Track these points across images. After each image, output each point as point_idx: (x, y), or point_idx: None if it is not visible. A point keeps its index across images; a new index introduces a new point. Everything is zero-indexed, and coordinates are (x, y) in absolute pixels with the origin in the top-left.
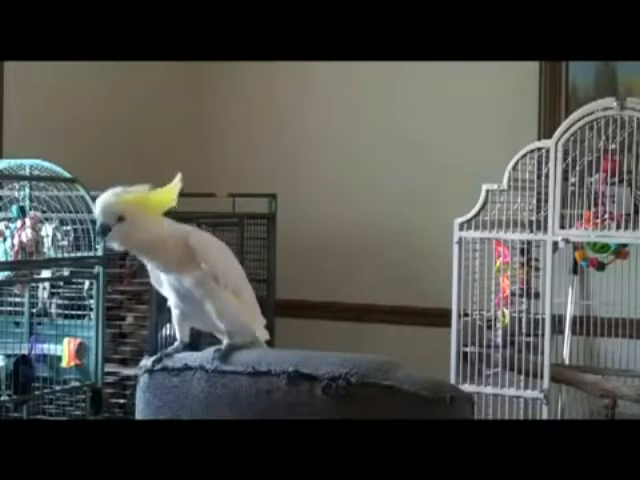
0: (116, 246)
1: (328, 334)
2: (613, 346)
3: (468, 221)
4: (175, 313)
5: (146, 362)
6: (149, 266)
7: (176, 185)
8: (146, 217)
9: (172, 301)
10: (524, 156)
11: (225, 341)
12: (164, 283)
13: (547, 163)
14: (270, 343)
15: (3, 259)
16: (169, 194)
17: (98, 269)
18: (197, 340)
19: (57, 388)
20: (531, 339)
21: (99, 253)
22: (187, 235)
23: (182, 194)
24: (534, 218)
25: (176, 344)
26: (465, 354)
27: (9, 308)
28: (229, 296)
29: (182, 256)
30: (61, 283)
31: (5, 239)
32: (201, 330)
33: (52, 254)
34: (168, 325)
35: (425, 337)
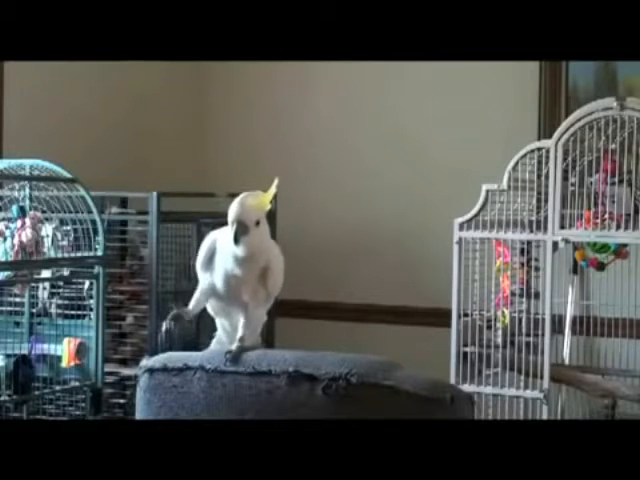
0: (246, 251)
1: (328, 334)
2: (613, 346)
3: (468, 221)
4: (204, 289)
5: (146, 362)
6: (210, 247)
7: (273, 190)
8: (266, 224)
9: (214, 286)
10: (524, 156)
11: (236, 343)
12: (217, 274)
13: (547, 163)
14: (270, 343)
15: (3, 259)
16: (270, 199)
17: (98, 269)
18: (196, 339)
19: (57, 388)
20: (531, 339)
21: (99, 253)
22: (271, 257)
23: (182, 194)
24: (534, 218)
25: (188, 308)
26: (465, 354)
27: (9, 308)
28: (264, 311)
29: (256, 269)
30: (61, 283)
31: (5, 239)
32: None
33: (52, 254)
34: (168, 322)
35: (425, 337)
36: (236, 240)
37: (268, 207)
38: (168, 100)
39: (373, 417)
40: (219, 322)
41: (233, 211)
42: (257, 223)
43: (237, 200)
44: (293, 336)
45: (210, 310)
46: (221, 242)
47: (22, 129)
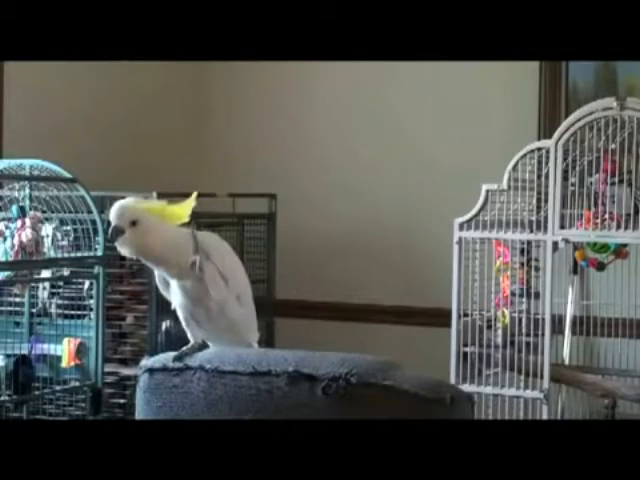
0: (126, 251)
1: (328, 334)
2: (613, 346)
3: (468, 221)
4: (183, 317)
5: (146, 362)
6: (156, 272)
7: (192, 202)
8: (159, 225)
9: (178, 304)
10: (524, 156)
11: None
12: (172, 287)
13: (547, 163)
14: (270, 343)
15: (3, 259)
16: (185, 209)
17: (98, 269)
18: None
19: (57, 388)
20: (531, 339)
21: (99, 253)
22: (200, 237)
23: (182, 194)
24: (534, 218)
25: (192, 343)
26: (465, 354)
27: (9, 308)
28: (233, 297)
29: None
30: (61, 283)
31: (5, 239)
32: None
33: (52, 254)
34: (167, 321)
35: (425, 337)
36: (112, 240)
37: (184, 217)
38: (168, 100)
39: (373, 417)
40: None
41: (109, 215)
42: (133, 223)
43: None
44: (293, 336)
45: (204, 338)
46: None
47: (22, 129)
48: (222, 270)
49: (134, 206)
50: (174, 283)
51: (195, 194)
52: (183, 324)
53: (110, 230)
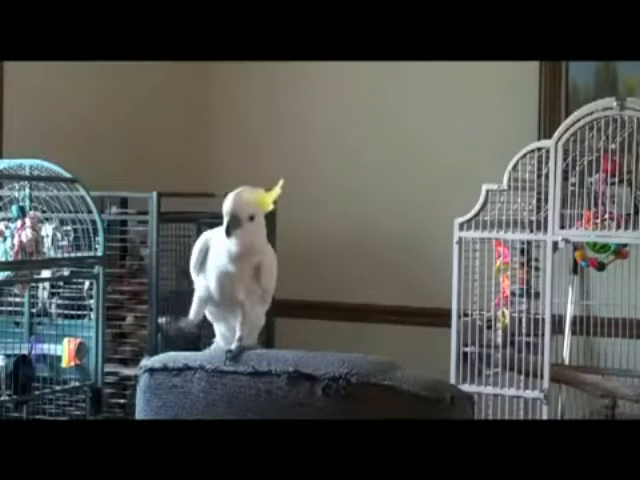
0: (239, 245)
1: (328, 334)
2: (613, 346)
3: (468, 221)
4: (201, 296)
5: (146, 362)
6: (203, 248)
7: (278, 190)
8: (263, 220)
9: (209, 288)
10: (524, 156)
11: (235, 343)
12: (210, 274)
13: (547, 163)
14: (270, 343)
15: (3, 259)
16: (274, 197)
17: (98, 269)
18: (197, 340)
19: (57, 388)
20: (531, 339)
21: (99, 253)
22: (265, 255)
23: (182, 194)
24: (534, 218)
25: (190, 318)
26: (465, 354)
27: (9, 308)
28: (261, 311)
29: (250, 268)
30: (61, 283)
31: (5, 239)
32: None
33: (52, 254)
34: (164, 318)
35: (425, 337)
36: (228, 233)
37: (269, 206)
38: (168, 100)
39: (373, 417)
40: (217, 329)
41: (227, 204)
42: (251, 218)
43: (233, 193)
44: (293, 336)
45: (208, 316)
46: (214, 241)
47: (22, 129)
48: (265, 287)
49: (255, 200)
50: (215, 276)
51: (281, 182)
52: (195, 299)
53: (228, 222)
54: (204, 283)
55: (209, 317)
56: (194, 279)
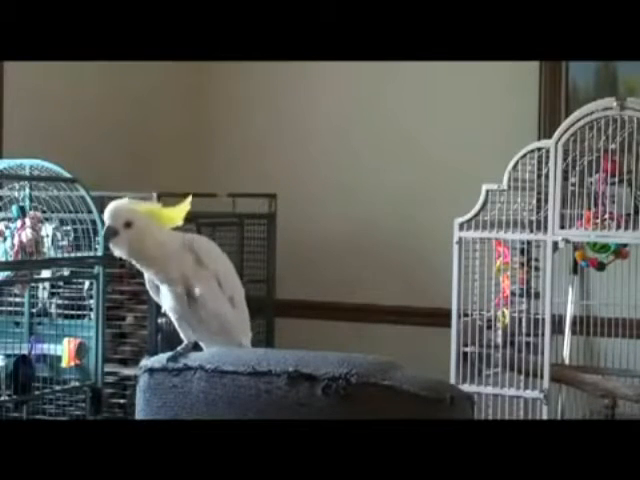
0: (120, 252)
1: (328, 334)
2: (613, 346)
3: (468, 221)
4: (175, 318)
5: (146, 362)
6: (146, 276)
7: (186, 205)
8: (153, 227)
9: (169, 308)
10: (524, 156)
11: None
12: (162, 291)
13: (547, 163)
14: (270, 343)
15: (3, 259)
16: (179, 213)
17: (98, 269)
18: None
19: (57, 388)
20: (531, 339)
21: (99, 253)
22: (191, 240)
23: (182, 194)
24: (534, 218)
25: (185, 343)
26: (465, 354)
27: (9, 308)
28: (225, 298)
29: (185, 262)
30: (61, 283)
31: (5, 239)
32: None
33: (52, 254)
34: (163, 319)
35: (425, 337)
36: (106, 241)
37: (178, 221)
38: (168, 100)
39: (373, 417)
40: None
41: (104, 215)
42: (127, 225)
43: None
44: (293, 336)
45: (197, 339)
46: None
47: (22, 129)
48: (216, 275)
49: (129, 207)
50: (165, 287)
51: (189, 198)
52: (175, 325)
53: (104, 230)
54: (167, 305)
55: (198, 340)
56: (162, 305)
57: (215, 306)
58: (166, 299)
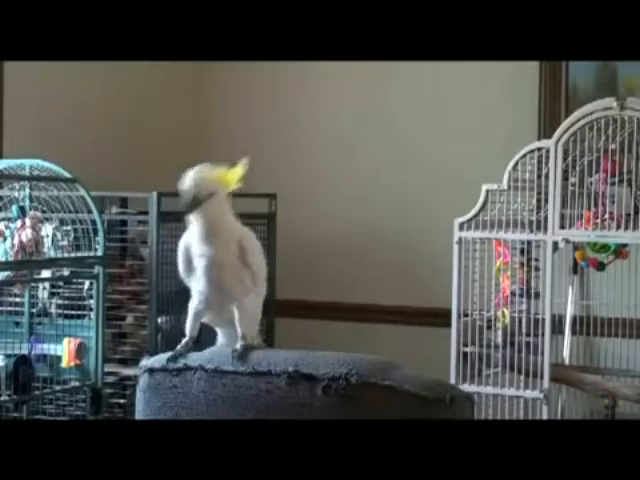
0: (203, 222)
1: (328, 334)
2: (613, 346)
3: (468, 221)
4: (196, 304)
5: (146, 362)
6: (182, 252)
7: (244, 167)
8: (226, 197)
9: (200, 290)
10: (524, 156)
11: (239, 342)
12: (198, 271)
13: (547, 163)
14: (270, 343)
15: (3, 259)
16: (238, 175)
17: (98, 269)
18: (198, 340)
19: (57, 388)
20: (531, 339)
21: (99, 253)
22: (243, 233)
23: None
24: (534, 218)
25: (185, 340)
26: (465, 354)
27: (9, 308)
28: (257, 303)
29: (232, 250)
30: (61, 283)
31: (5, 239)
32: (202, 328)
33: (52, 254)
34: (162, 317)
35: (425, 337)
36: (188, 210)
37: (232, 184)
38: (168, 100)
39: (373, 417)
40: (220, 332)
41: (185, 183)
42: (210, 195)
43: (191, 172)
44: (293, 336)
45: (208, 322)
46: (192, 238)
47: (22, 129)
48: (254, 268)
49: (214, 176)
50: (202, 270)
51: (246, 159)
52: (191, 309)
53: (188, 200)
54: (196, 290)
55: (209, 323)
56: (188, 285)
57: (242, 299)
58: (199, 281)
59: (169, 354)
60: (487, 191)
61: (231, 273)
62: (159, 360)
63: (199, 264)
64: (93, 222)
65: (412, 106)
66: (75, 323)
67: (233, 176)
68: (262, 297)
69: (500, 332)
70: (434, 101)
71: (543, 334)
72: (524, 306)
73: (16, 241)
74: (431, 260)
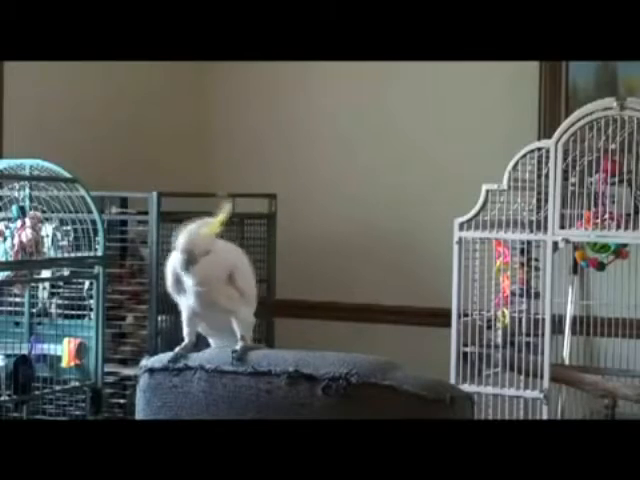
0: (197, 279)
1: (328, 334)
2: (613, 346)
3: (468, 221)
4: (188, 314)
5: (146, 362)
6: (170, 272)
7: (225, 215)
8: (218, 247)
9: (190, 305)
10: (524, 156)
11: (239, 343)
12: (187, 289)
13: (547, 163)
14: (270, 343)
15: (3, 259)
16: (219, 224)
17: (98, 269)
18: (197, 342)
19: (57, 388)
20: (531, 339)
21: (99, 253)
22: (233, 261)
23: (182, 194)
24: (534, 218)
25: (185, 343)
26: (465, 354)
27: (9, 308)
28: (248, 313)
29: (222, 279)
30: (61, 283)
31: (5, 239)
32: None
33: (52, 254)
34: (162, 317)
35: (425, 337)
36: (186, 269)
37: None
38: (169, 100)
39: (373, 417)
40: (213, 343)
41: (182, 241)
42: (207, 253)
43: (186, 229)
44: (293, 336)
45: (202, 332)
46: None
47: (22, 129)
48: (242, 286)
49: (210, 234)
50: (190, 288)
51: (229, 206)
52: (184, 320)
53: (184, 260)
54: (186, 302)
55: (203, 333)
56: (177, 300)
57: (233, 312)
58: (189, 298)
59: (169, 354)
60: (487, 191)
61: (220, 291)
62: (159, 360)
63: (188, 282)
64: (93, 222)
65: (412, 106)
66: (75, 323)
67: (221, 222)
68: (253, 308)
69: (500, 332)
70: (434, 101)
71: (543, 334)
72: (524, 306)
73: (16, 241)
74: (431, 260)
